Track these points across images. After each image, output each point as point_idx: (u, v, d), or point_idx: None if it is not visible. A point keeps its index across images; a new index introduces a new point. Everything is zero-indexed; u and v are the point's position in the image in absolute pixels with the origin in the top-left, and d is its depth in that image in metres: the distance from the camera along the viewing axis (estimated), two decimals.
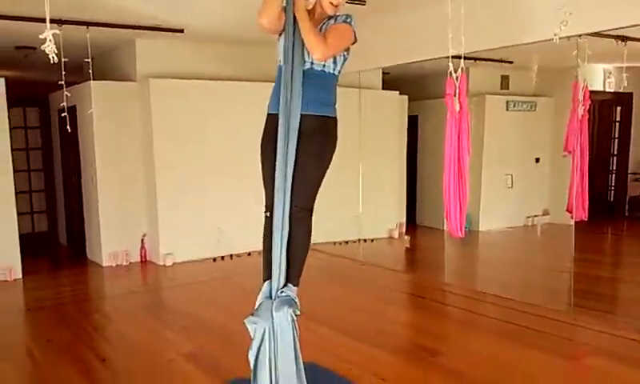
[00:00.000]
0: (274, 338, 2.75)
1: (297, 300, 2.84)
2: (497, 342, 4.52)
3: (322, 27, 2.83)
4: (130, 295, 6.28)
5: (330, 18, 2.88)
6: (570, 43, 4.84)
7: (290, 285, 2.86)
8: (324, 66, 2.81)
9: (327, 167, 2.89)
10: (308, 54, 2.76)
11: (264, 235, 2.94)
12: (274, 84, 2.88)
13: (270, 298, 2.82)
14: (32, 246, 8.00)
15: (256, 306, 2.85)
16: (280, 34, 2.85)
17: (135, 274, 7.19)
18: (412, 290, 6.57)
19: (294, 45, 2.76)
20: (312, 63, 2.79)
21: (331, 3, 2.81)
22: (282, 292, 2.81)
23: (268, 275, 2.86)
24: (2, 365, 4.29)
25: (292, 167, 2.73)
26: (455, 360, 4.16)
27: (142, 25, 6.36)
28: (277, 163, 2.74)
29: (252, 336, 2.78)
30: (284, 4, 2.77)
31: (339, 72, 2.91)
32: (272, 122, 2.84)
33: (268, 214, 2.88)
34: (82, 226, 8.03)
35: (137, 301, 6.10)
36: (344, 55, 2.89)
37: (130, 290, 6.52)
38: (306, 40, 2.69)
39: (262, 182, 2.98)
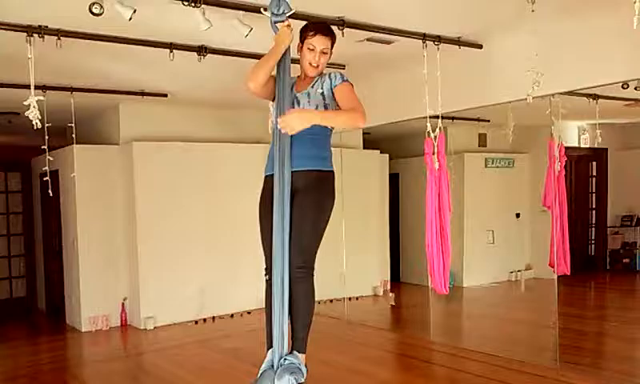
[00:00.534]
0: None
1: (302, 367, 2.70)
2: None
3: (313, 85, 2.84)
4: (110, 361, 6.11)
5: (321, 77, 2.87)
6: (543, 102, 5.00)
7: (295, 352, 2.74)
8: None
9: (326, 222, 2.82)
10: (314, 108, 2.78)
11: (265, 300, 2.83)
12: (267, 146, 2.89)
13: (273, 367, 2.67)
14: (9, 312, 7.82)
15: (258, 376, 2.72)
16: (273, 100, 2.87)
17: (115, 339, 7.03)
18: (398, 349, 6.49)
19: (283, 105, 2.75)
20: None
21: (310, 64, 2.84)
22: (285, 359, 2.66)
23: (270, 343, 2.71)
24: None
25: (288, 227, 2.66)
26: None
27: (126, 90, 6.45)
28: (274, 224, 2.66)
29: None
30: (274, 72, 2.81)
31: (332, 126, 2.86)
32: (267, 184, 2.83)
33: (267, 277, 2.78)
34: (61, 291, 7.88)
35: (116, 367, 5.94)
36: (335, 108, 2.83)
37: (110, 355, 6.36)
38: (343, 124, 2.70)
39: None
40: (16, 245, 9.49)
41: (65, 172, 7.15)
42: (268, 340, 2.76)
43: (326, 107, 2.81)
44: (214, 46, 4.76)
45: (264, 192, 2.88)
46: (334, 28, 3.13)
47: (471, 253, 8.54)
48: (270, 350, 2.72)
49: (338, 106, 2.79)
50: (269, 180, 2.82)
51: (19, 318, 8.31)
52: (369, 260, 8.78)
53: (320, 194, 2.80)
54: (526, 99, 4.21)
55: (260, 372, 2.72)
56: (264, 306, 2.87)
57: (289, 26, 2.81)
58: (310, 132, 2.69)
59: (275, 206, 2.67)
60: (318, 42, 2.81)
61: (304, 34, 2.85)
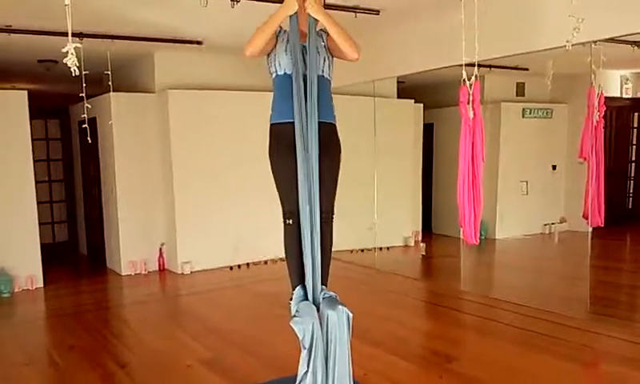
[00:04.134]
0: (329, 335, 2.78)
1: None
2: (513, 349, 4.51)
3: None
4: (149, 303, 6.37)
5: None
6: (584, 49, 4.84)
7: (324, 287, 2.93)
8: (322, 71, 2.91)
9: (339, 171, 3.03)
10: (322, 61, 2.90)
11: (287, 243, 2.95)
12: (275, 94, 2.99)
13: (306, 300, 2.85)
14: (53, 256, 8.14)
15: (294, 310, 2.86)
16: (273, 48, 2.94)
17: (154, 283, 7.28)
18: (428, 298, 6.58)
19: (308, 53, 2.84)
20: (322, 70, 2.90)
21: (303, 8, 2.87)
22: (325, 293, 2.88)
23: (299, 281, 2.90)
24: (27, 370, 4.40)
25: (318, 174, 2.80)
26: (471, 367, 4.16)
27: (161, 37, 6.48)
28: (302, 171, 2.78)
29: (300, 336, 2.74)
30: (277, 31, 2.89)
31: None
32: (284, 131, 2.87)
33: (290, 221, 2.90)
34: (101, 236, 8.16)
35: (155, 308, 6.19)
36: (329, 58, 2.98)
37: (149, 297, 6.61)
38: (345, 42, 2.85)
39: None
40: (57, 191, 9.80)
41: (102, 119, 7.29)
42: (295, 279, 2.93)
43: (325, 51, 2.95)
44: None
45: (279, 139, 2.93)
46: None
47: (504, 204, 8.49)
48: (300, 286, 2.89)
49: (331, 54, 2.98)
50: (282, 127, 2.89)
51: (62, 261, 8.65)
52: (401, 210, 8.81)
53: (336, 145, 3.01)
54: (564, 46, 4.08)
55: (294, 307, 2.86)
56: (285, 250, 2.99)
57: None
58: (323, 81, 2.89)
59: (300, 154, 2.78)
60: None
61: None
